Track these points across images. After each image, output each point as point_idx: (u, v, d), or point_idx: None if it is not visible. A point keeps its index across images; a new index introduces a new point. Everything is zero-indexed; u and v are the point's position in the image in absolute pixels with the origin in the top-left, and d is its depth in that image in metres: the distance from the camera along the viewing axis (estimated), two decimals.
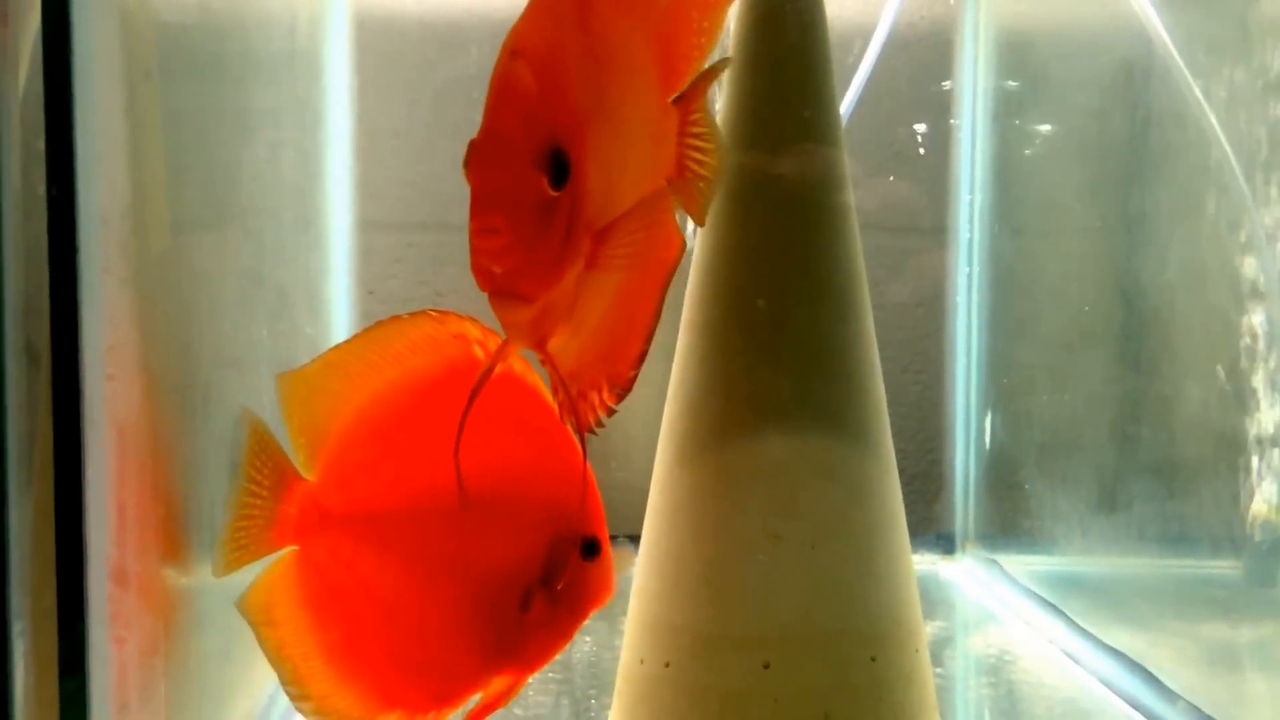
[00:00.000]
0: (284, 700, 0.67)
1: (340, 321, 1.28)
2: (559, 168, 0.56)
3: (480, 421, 0.63)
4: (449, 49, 1.31)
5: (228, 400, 0.77)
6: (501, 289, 0.56)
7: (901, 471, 0.81)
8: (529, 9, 0.59)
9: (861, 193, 0.81)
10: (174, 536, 0.68)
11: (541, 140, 0.56)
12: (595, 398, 0.62)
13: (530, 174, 0.55)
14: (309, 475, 0.66)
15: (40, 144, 0.52)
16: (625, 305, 0.62)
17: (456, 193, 0.58)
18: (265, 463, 0.65)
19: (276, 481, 0.65)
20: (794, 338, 0.78)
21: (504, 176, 0.55)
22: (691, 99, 0.64)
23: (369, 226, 1.32)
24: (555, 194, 0.56)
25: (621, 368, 0.62)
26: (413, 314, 0.66)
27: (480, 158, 0.55)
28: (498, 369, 0.63)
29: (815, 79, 0.79)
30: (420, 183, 1.32)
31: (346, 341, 0.68)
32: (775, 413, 0.77)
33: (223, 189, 0.80)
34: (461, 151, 0.55)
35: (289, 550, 0.66)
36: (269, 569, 0.66)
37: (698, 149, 0.64)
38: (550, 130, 0.56)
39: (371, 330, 0.67)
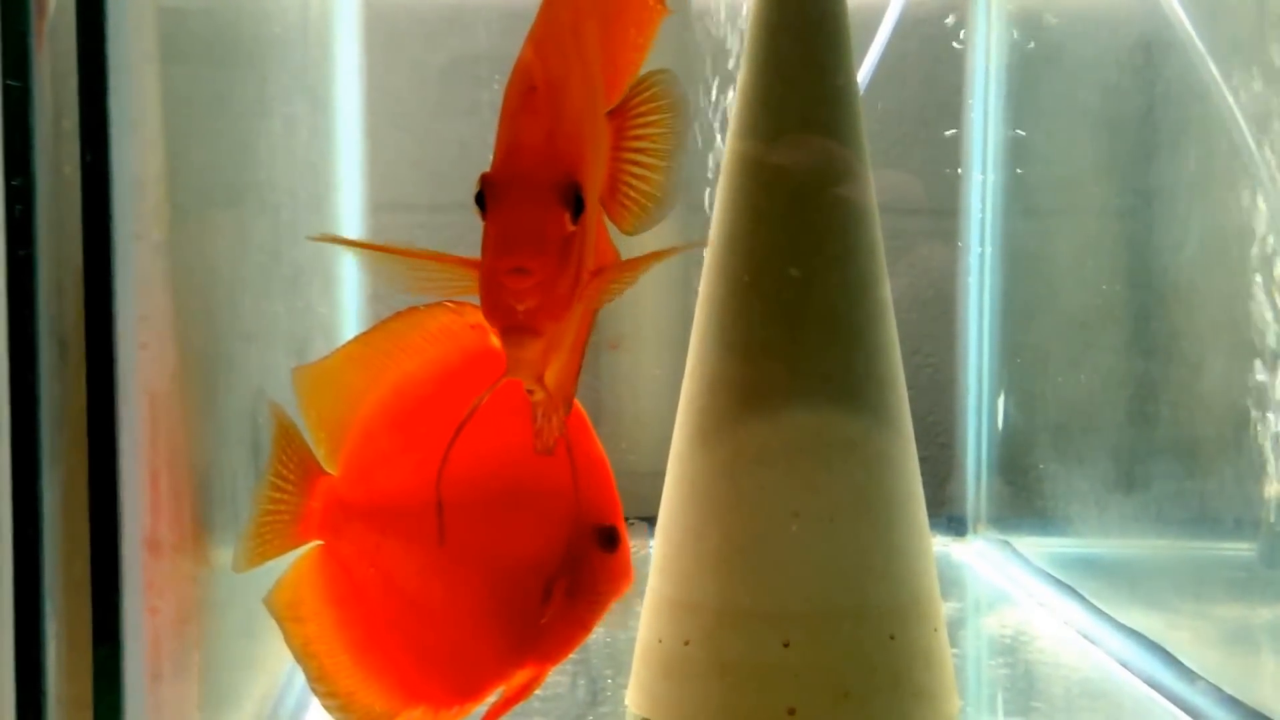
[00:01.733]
0: None
1: (350, 301, 1.27)
2: (577, 202, 0.55)
3: (498, 414, 0.63)
4: (456, 28, 1.30)
5: (248, 375, 0.77)
6: (518, 325, 0.55)
7: None
8: (535, 37, 0.58)
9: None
10: (200, 508, 0.67)
11: (560, 176, 0.55)
12: (556, 420, 0.62)
13: (556, 211, 0.54)
14: (330, 469, 0.66)
15: (71, 115, 0.52)
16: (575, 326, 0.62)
17: (462, 174, 0.57)
18: (291, 457, 0.65)
19: (301, 476, 0.65)
20: (813, 311, 0.77)
21: (532, 215, 0.54)
22: (627, 114, 0.62)
23: (378, 207, 1.31)
24: (574, 229, 0.55)
25: (568, 387, 0.62)
26: (429, 305, 0.66)
27: (507, 196, 0.54)
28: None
29: (837, 52, 0.79)
30: (428, 163, 1.32)
31: (364, 334, 0.68)
32: (794, 388, 0.77)
33: (241, 163, 0.80)
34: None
35: (313, 545, 0.66)
36: (295, 565, 0.66)
37: (637, 164, 0.62)
38: (565, 165, 0.55)
39: (388, 322, 0.67)
